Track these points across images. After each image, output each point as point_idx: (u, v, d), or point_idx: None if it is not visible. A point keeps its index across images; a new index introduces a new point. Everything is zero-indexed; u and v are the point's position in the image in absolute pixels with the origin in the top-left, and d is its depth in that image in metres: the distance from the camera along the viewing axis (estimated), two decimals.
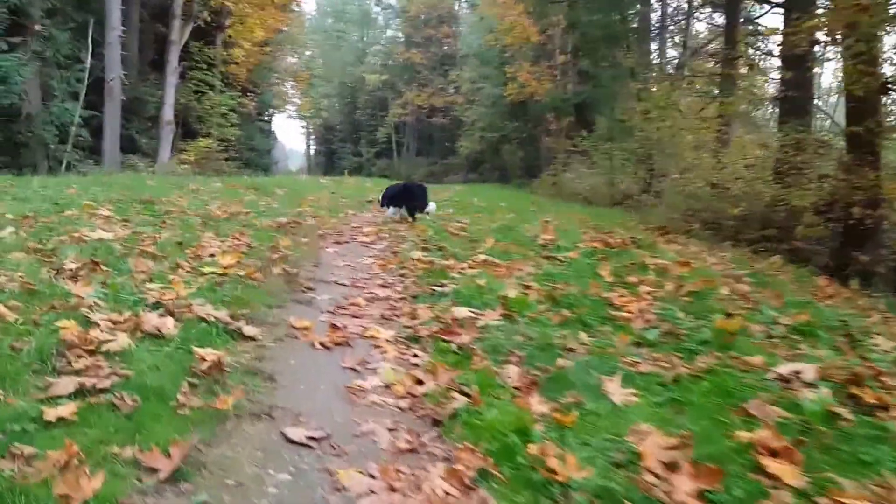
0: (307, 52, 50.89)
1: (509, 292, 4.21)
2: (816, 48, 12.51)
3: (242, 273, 4.31)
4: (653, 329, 3.65)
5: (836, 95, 22.70)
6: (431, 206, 9.22)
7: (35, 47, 15.38)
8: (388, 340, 3.59)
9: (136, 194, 7.80)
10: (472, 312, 3.92)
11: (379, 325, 3.81)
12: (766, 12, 21.49)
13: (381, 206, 9.37)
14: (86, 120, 17.19)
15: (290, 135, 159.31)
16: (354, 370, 3.18)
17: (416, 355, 3.41)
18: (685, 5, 22.41)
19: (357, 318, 3.94)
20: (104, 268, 4.04)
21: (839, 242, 10.09)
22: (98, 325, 3.14)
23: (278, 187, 12.31)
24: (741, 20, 16.55)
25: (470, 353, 3.32)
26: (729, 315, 3.94)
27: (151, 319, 3.26)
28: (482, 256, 5.33)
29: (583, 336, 3.56)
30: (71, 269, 3.92)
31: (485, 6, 33.54)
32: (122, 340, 3.01)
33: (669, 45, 22.58)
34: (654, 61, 21.87)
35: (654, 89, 16.26)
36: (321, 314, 3.92)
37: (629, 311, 3.95)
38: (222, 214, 6.91)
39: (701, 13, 21.66)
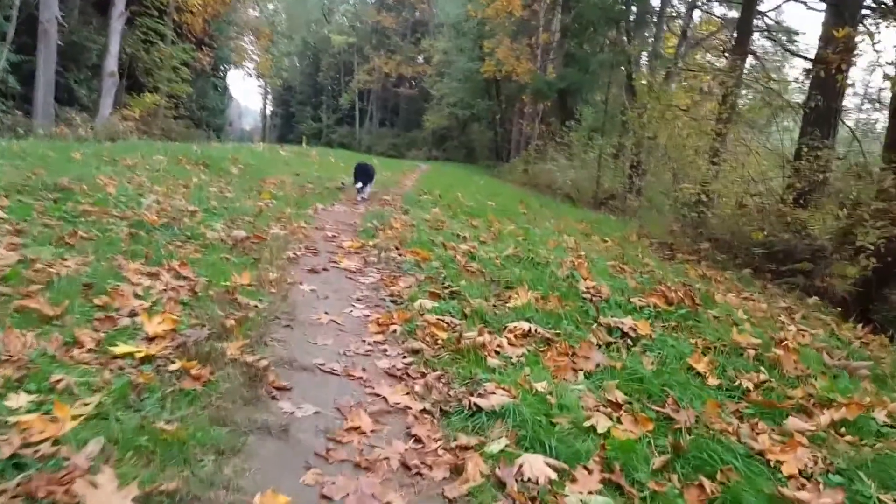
0: (270, 6, 47.80)
1: (598, 421, 2.72)
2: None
3: (177, 363, 2.69)
4: None
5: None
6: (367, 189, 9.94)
7: None
8: None
9: (53, 174, 6.00)
10: (550, 465, 2.43)
11: (402, 496, 2.26)
12: (777, 6, 20.34)
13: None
14: (15, 65, 15.32)
15: (245, 93, 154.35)
16: None
17: None
18: None
19: (365, 469, 2.38)
20: None
21: (865, 280, 9.03)
22: None
23: (233, 164, 10.48)
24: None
25: None
26: None
27: None
28: (524, 324, 3.81)
29: None
30: None
31: None
32: None
33: (665, 33, 21.12)
34: (649, 50, 20.44)
35: (655, 81, 14.84)
36: (303, 465, 2.34)
37: (793, 477, 2.52)
38: (159, 219, 5.18)
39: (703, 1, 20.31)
